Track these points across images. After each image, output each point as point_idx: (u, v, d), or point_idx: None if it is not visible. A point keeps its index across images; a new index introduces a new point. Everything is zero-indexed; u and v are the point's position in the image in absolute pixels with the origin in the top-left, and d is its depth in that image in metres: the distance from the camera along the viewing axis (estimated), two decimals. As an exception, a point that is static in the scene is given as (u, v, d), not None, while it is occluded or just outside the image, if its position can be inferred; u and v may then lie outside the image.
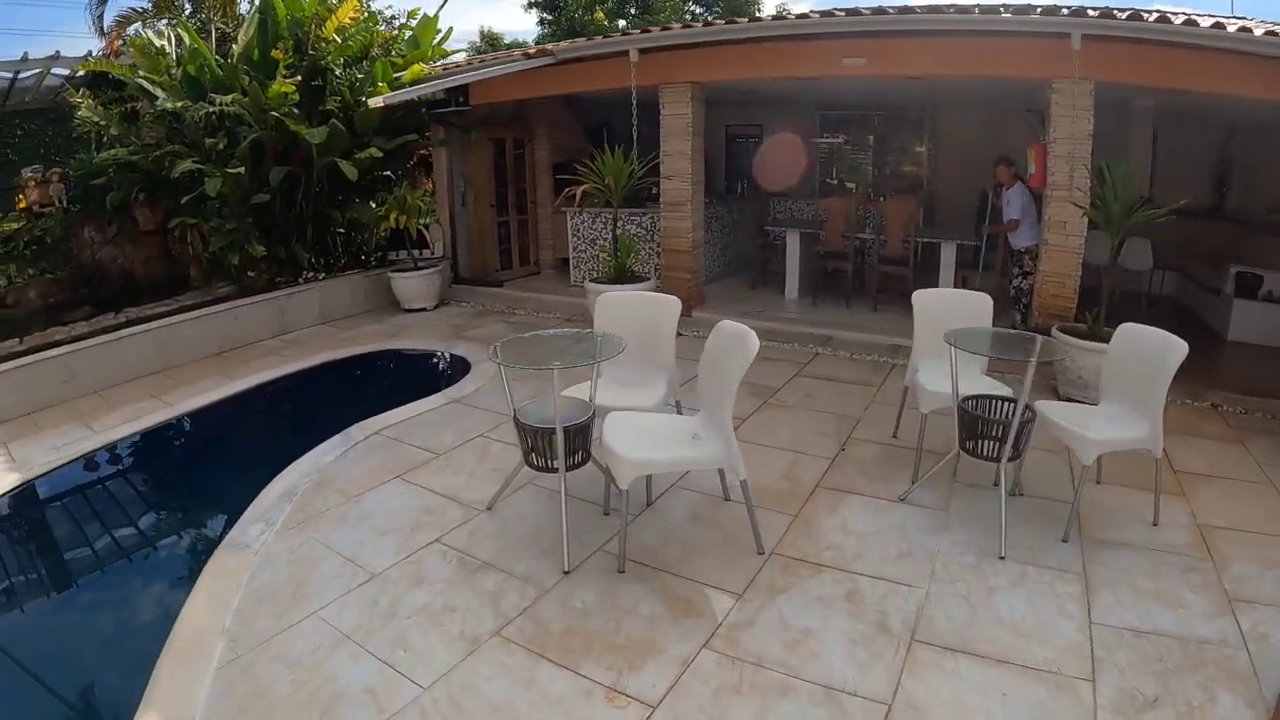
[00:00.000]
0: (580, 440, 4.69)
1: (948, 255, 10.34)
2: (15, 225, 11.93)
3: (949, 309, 6.00)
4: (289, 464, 5.94)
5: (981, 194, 10.90)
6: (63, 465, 6.33)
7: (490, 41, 29.76)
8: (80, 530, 5.87)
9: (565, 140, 13.58)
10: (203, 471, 6.99)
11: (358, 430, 6.57)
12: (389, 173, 12.63)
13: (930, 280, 9.67)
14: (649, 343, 5.56)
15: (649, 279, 9.58)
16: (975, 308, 5.93)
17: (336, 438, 6.40)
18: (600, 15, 25.33)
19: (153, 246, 12.78)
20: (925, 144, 14.54)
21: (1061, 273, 7.99)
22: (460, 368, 8.52)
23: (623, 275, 9.43)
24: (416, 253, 12.41)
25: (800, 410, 7.08)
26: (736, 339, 4.49)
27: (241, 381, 8.26)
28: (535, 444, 4.71)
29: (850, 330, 9.74)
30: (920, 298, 6.20)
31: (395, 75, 11.39)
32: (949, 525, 4.90)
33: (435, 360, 9.35)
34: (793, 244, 11.49)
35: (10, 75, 13.05)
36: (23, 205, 12.12)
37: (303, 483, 5.65)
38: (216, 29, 13.13)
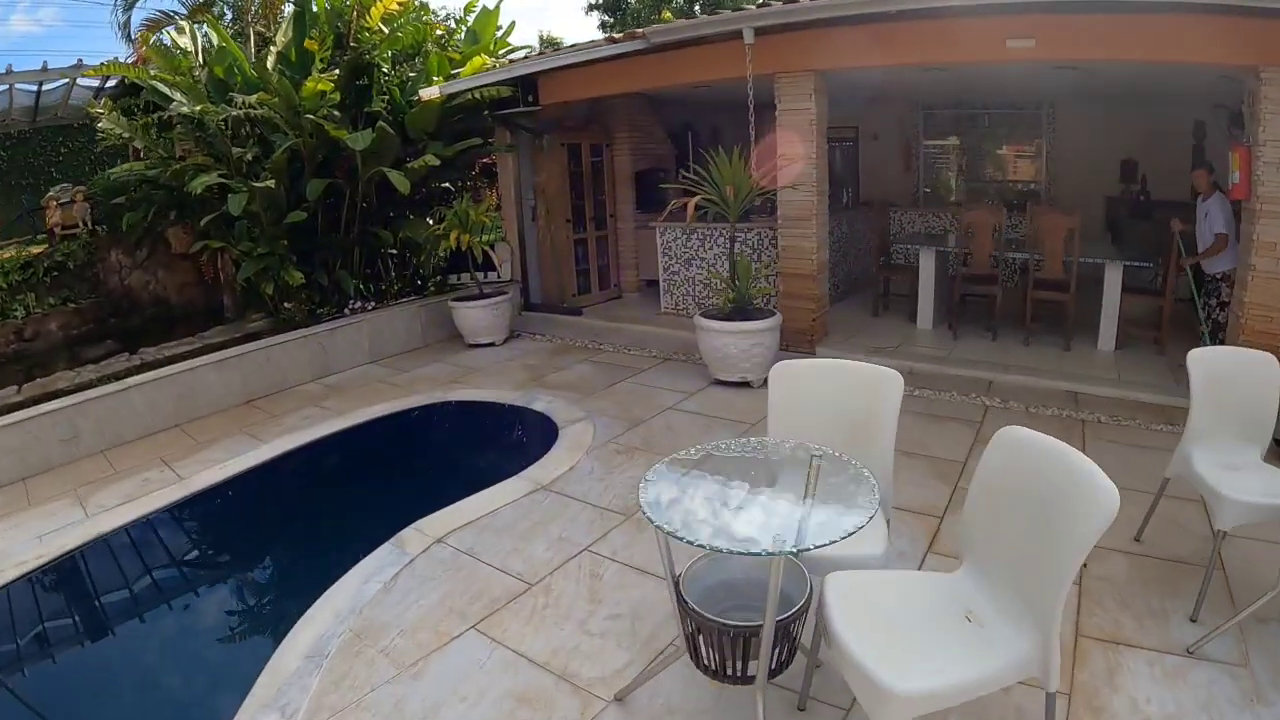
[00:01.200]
0: (784, 634, 2.82)
1: (1112, 279, 8.57)
2: (37, 249, 10.54)
3: (1245, 375, 4.27)
4: (320, 591, 4.26)
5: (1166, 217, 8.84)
6: (43, 566, 4.93)
7: (551, 45, 28.14)
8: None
9: (648, 145, 11.83)
10: (207, 594, 5.32)
11: (414, 536, 4.83)
12: (447, 184, 10.99)
13: (1089, 310, 8.69)
14: (854, 442, 3.68)
15: (772, 313, 7.70)
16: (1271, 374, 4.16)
17: (385, 547, 4.68)
18: (668, 15, 23.58)
19: (187, 272, 11.41)
20: (1043, 146, 13.15)
21: (1270, 304, 6.44)
22: (543, 431, 6.71)
23: (743, 308, 7.57)
24: (481, 276, 10.66)
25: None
26: (1069, 482, 2.68)
27: (268, 447, 6.61)
28: (714, 641, 2.83)
29: (1012, 372, 7.98)
30: (1204, 360, 4.36)
31: (453, 71, 9.76)
32: (1262, 693, 3.32)
33: (510, 419, 7.52)
34: (927, 264, 9.62)
35: (34, 88, 12.05)
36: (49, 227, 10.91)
37: (337, 631, 3.92)
38: (256, 33, 11.62)
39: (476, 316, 9.45)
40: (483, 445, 7.45)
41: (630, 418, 6.75)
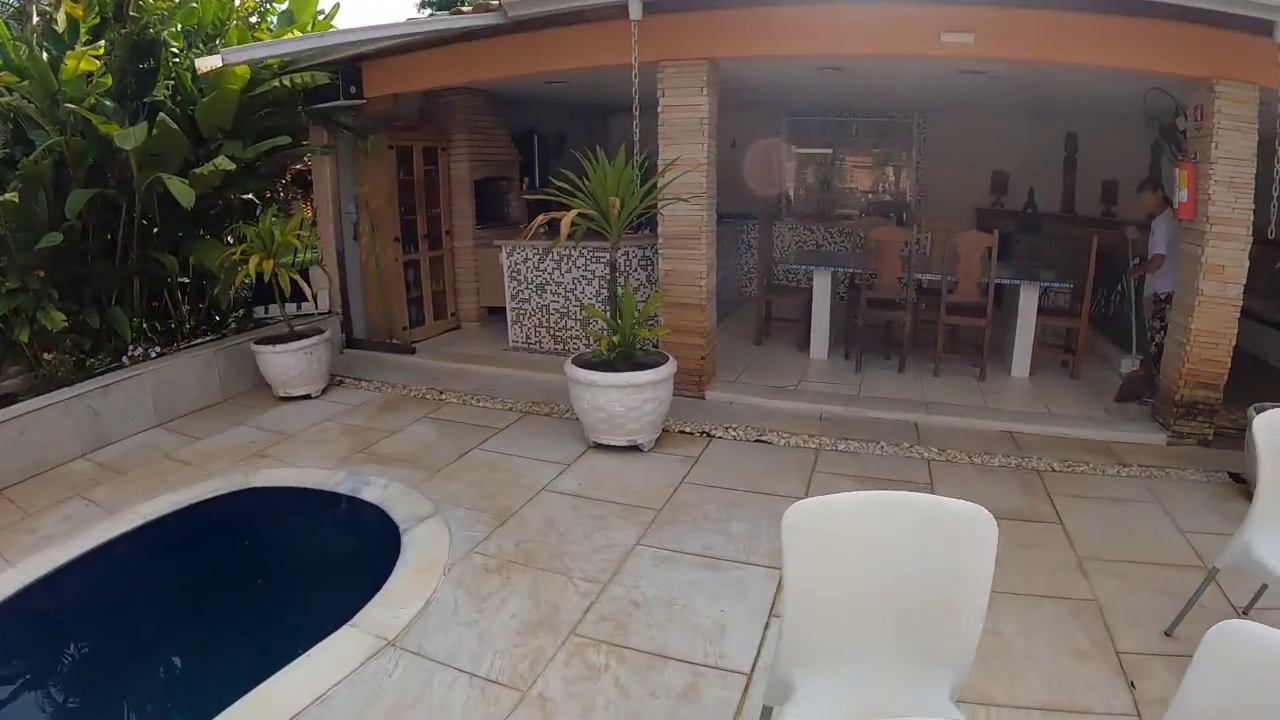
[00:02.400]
0: None
1: (1028, 301, 7.88)
2: None
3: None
4: None
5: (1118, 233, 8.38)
6: None
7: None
8: None
9: (490, 150, 10.16)
10: None
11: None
12: (251, 196, 8.99)
13: (1005, 335, 8.24)
14: (923, 625, 2.29)
15: (664, 358, 6.18)
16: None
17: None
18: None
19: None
20: (914, 158, 12.87)
21: (1217, 330, 6.21)
22: (380, 536, 4.82)
23: (629, 354, 6.03)
24: (294, 309, 8.75)
25: (1006, 598, 4.03)
26: None
27: (13, 574, 4.48)
28: None
29: (936, 411, 7.07)
30: (1273, 425, 3.38)
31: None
32: None
33: (333, 516, 5.58)
34: (823, 286, 8.42)
35: None
36: None
37: None
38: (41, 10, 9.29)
39: (286, 364, 7.56)
40: (297, 564, 5.43)
41: (495, 508, 5.12)
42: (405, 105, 9.36)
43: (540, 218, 5.94)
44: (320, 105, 8.25)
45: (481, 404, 7.35)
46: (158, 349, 7.53)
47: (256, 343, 7.68)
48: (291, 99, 8.12)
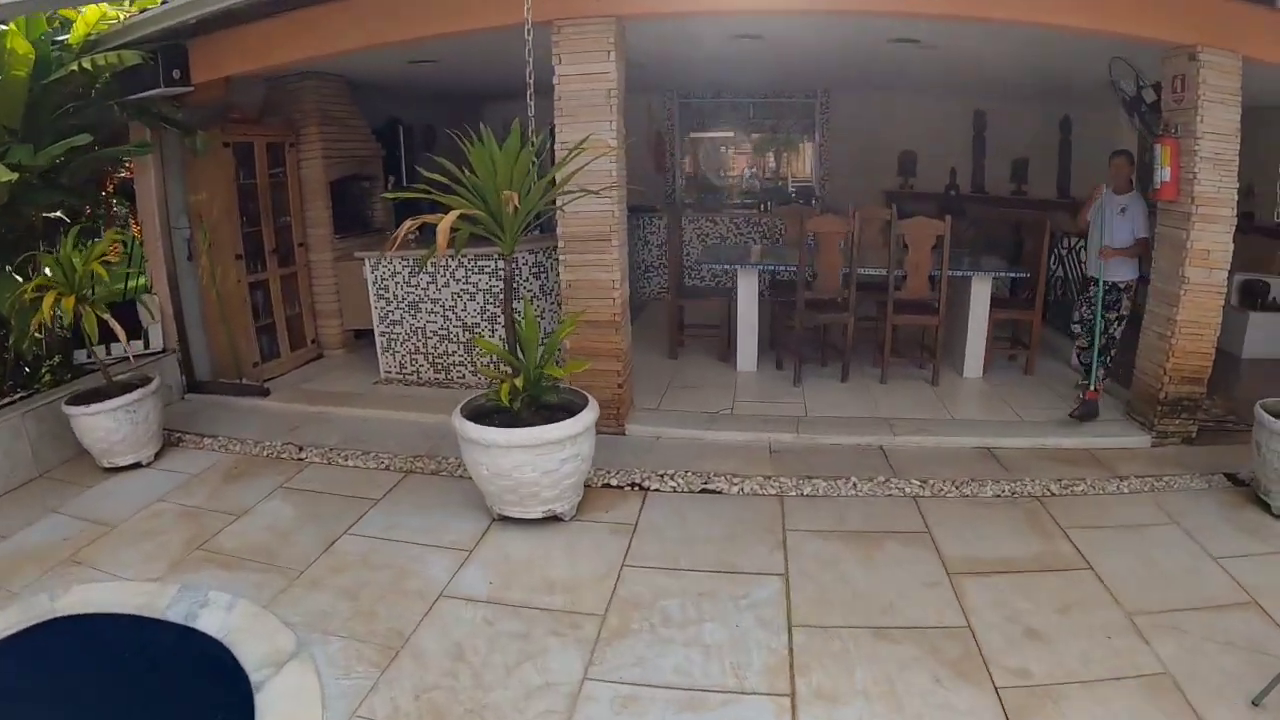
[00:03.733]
0: None
1: (980, 293, 7.10)
2: None
3: None
4: None
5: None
6: None
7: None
8: None
9: (348, 144, 8.67)
10: None
11: None
12: (59, 214, 7.32)
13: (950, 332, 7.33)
14: None
15: (583, 400, 4.83)
16: None
17: None
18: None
19: None
20: (816, 140, 12.13)
21: (1201, 320, 5.76)
22: (222, 699, 3.41)
23: (536, 397, 4.70)
24: (124, 348, 7.15)
25: (1072, 690, 3.30)
26: None
27: None
28: None
29: (901, 430, 6.13)
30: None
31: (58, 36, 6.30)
32: None
33: (161, 662, 3.89)
34: (749, 288, 7.30)
35: None
36: None
37: None
38: None
39: (105, 428, 5.95)
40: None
41: (380, 634, 3.75)
42: (244, 93, 7.83)
43: (408, 224, 4.41)
44: (138, 95, 6.61)
45: (351, 461, 5.92)
46: None
47: (69, 402, 6.06)
48: (103, 90, 6.51)
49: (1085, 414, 6.21)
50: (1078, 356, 6.90)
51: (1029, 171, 11.31)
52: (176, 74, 6.53)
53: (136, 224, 8.27)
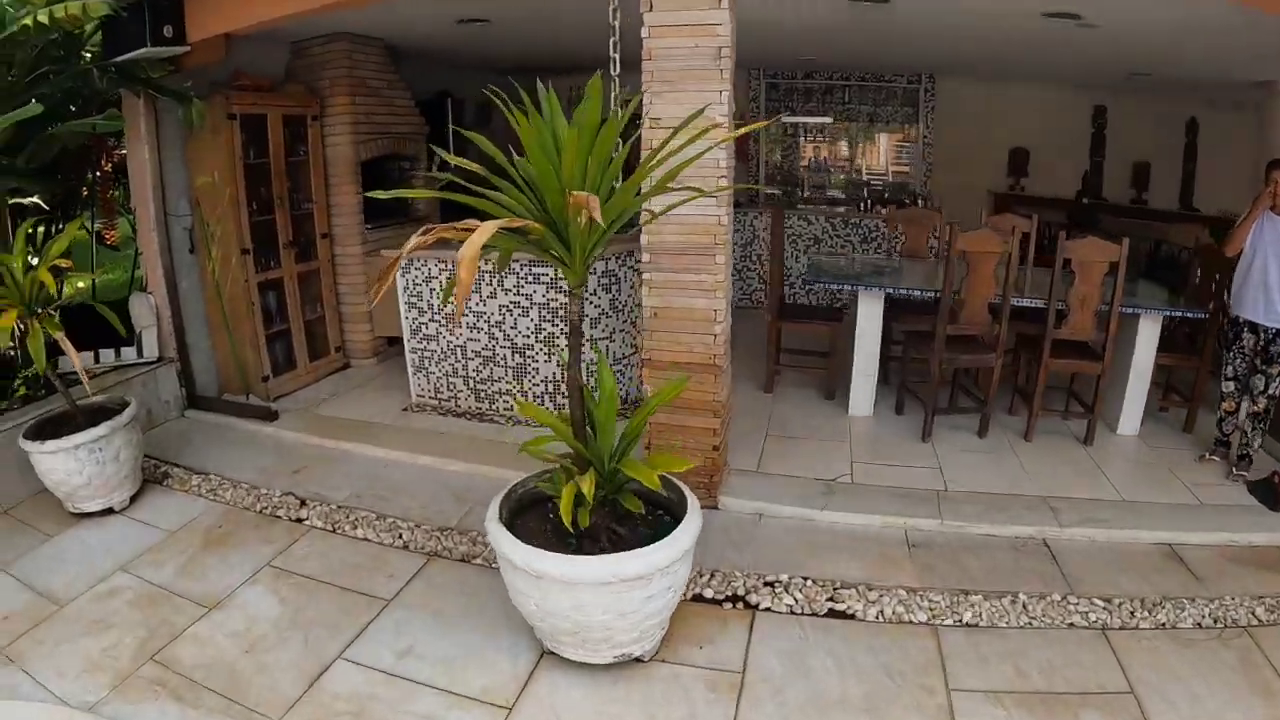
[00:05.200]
0: None
1: (1148, 336, 5.60)
2: None
3: None
4: None
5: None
6: None
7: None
8: None
9: (385, 118, 7.36)
10: None
11: None
12: (35, 201, 6.11)
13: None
14: None
15: (678, 502, 3.39)
16: None
17: None
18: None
19: None
20: (920, 131, 10.65)
21: None
22: None
23: (608, 500, 3.28)
24: (114, 355, 6.05)
25: None
26: None
27: None
28: None
29: (1064, 515, 4.71)
30: None
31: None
32: None
33: None
34: (872, 314, 5.85)
35: None
36: None
37: None
38: None
39: (65, 469, 4.74)
40: None
41: None
42: (263, 57, 6.57)
43: (420, 239, 2.89)
44: (123, 57, 5.32)
45: (361, 530, 4.59)
46: None
47: (27, 435, 4.83)
48: (71, 48, 5.27)
49: (1266, 496, 4.82)
50: (1220, 424, 5.37)
51: (1149, 178, 9.67)
52: (168, 31, 5.25)
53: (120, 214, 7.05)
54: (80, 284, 7.87)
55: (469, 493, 4.92)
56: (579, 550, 3.05)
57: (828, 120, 10.61)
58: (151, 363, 6.31)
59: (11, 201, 5.80)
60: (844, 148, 11.06)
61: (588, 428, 3.25)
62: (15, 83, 5.04)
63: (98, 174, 6.87)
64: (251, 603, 3.94)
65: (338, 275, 7.26)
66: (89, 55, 5.52)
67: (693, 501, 3.29)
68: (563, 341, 5.78)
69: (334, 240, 7.16)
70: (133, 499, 5.06)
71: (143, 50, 5.17)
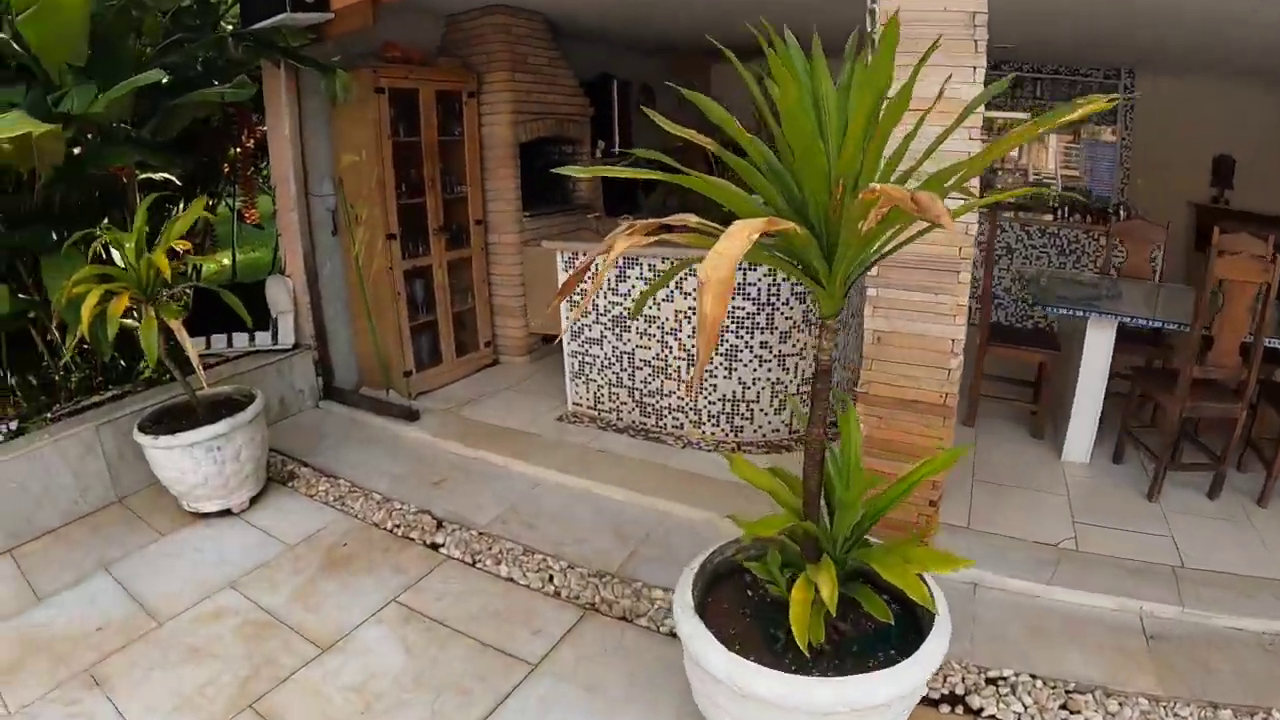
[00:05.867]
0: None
1: None
2: None
3: None
4: None
5: None
6: None
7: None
8: None
9: (548, 97, 6.74)
10: None
11: None
12: (165, 174, 5.70)
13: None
14: None
15: (922, 609, 2.54)
16: None
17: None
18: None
19: None
20: (1120, 132, 9.23)
21: None
22: None
23: (843, 573, 2.46)
24: (248, 340, 5.67)
25: None
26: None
27: None
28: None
29: None
30: None
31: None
32: None
33: None
34: (1101, 345, 4.87)
35: None
36: None
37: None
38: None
39: (179, 467, 4.30)
40: None
41: None
42: (412, 29, 6.02)
43: (632, 238, 2.10)
44: (260, 24, 4.81)
45: (505, 566, 3.93)
46: (11, 424, 4.36)
47: (143, 425, 4.41)
48: (207, 15, 4.81)
49: None
50: None
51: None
52: (314, -1, 4.73)
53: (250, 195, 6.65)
54: (225, 261, 7.54)
55: (632, 528, 4.22)
56: (788, 646, 2.27)
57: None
58: (287, 350, 5.87)
59: (142, 177, 5.37)
60: (1035, 148, 9.92)
61: (826, 503, 2.47)
62: (143, 51, 4.58)
63: (238, 149, 6.45)
64: (373, 648, 3.33)
65: (491, 265, 6.69)
66: (229, 27, 5.05)
67: (940, 598, 2.46)
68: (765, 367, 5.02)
69: (488, 227, 6.58)
70: (254, 500, 4.60)
71: (282, 16, 4.67)
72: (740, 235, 1.62)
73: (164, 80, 4.16)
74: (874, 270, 3.58)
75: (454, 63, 6.19)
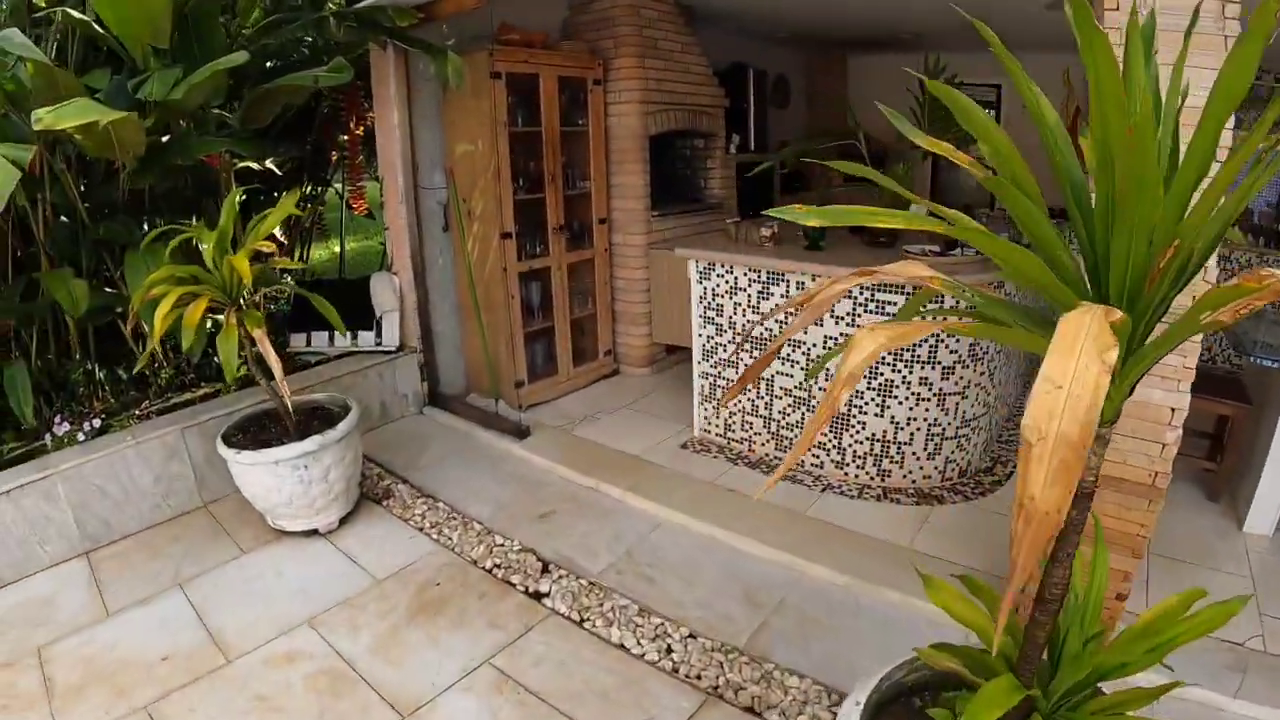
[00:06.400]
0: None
1: None
2: None
3: None
4: None
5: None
6: None
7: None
8: None
9: (680, 87, 6.18)
10: None
11: None
12: (269, 166, 5.35)
13: None
14: None
15: None
16: None
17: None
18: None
19: None
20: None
21: None
22: None
23: None
24: (349, 339, 5.36)
25: None
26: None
27: None
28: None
29: None
30: None
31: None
32: None
33: None
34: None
35: None
36: None
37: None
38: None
39: (263, 485, 3.93)
40: None
41: None
42: (532, 11, 5.54)
43: (850, 280, 1.38)
44: (365, 3, 4.36)
45: (616, 631, 3.37)
46: (95, 420, 4.03)
47: (228, 435, 4.04)
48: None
49: None
50: None
51: None
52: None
53: (359, 181, 6.25)
54: (337, 248, 7.23)
55: (763, 590, 3.61)
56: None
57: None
58: (391, 352, 5.46)
59: (240, 166, 5.01)
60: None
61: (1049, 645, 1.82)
62: (239, 32, 4.18)
63: (345, 136, 6.07)
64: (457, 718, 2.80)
65: (614, 268, 6.17)
66: (334, 6, 4.62)
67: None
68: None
69: (613, 226, 6.06)
70: (343, 520, 4.21)
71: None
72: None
73: (267, 64, 3.76)
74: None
75: (578, 47, 5.66)
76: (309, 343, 5.44)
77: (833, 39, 8.49)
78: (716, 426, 5.11)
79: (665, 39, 5.98)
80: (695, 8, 6.31)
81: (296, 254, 6.39)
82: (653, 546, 3.99)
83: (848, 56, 9.45)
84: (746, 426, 4.96)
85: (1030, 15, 5.86)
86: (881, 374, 4.38)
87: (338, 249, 7.30)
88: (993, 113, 4.92)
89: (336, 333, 5.36)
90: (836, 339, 4.45)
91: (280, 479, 3.83)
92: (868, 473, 4.59)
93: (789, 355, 4.64)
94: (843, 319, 4.39)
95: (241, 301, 3.60)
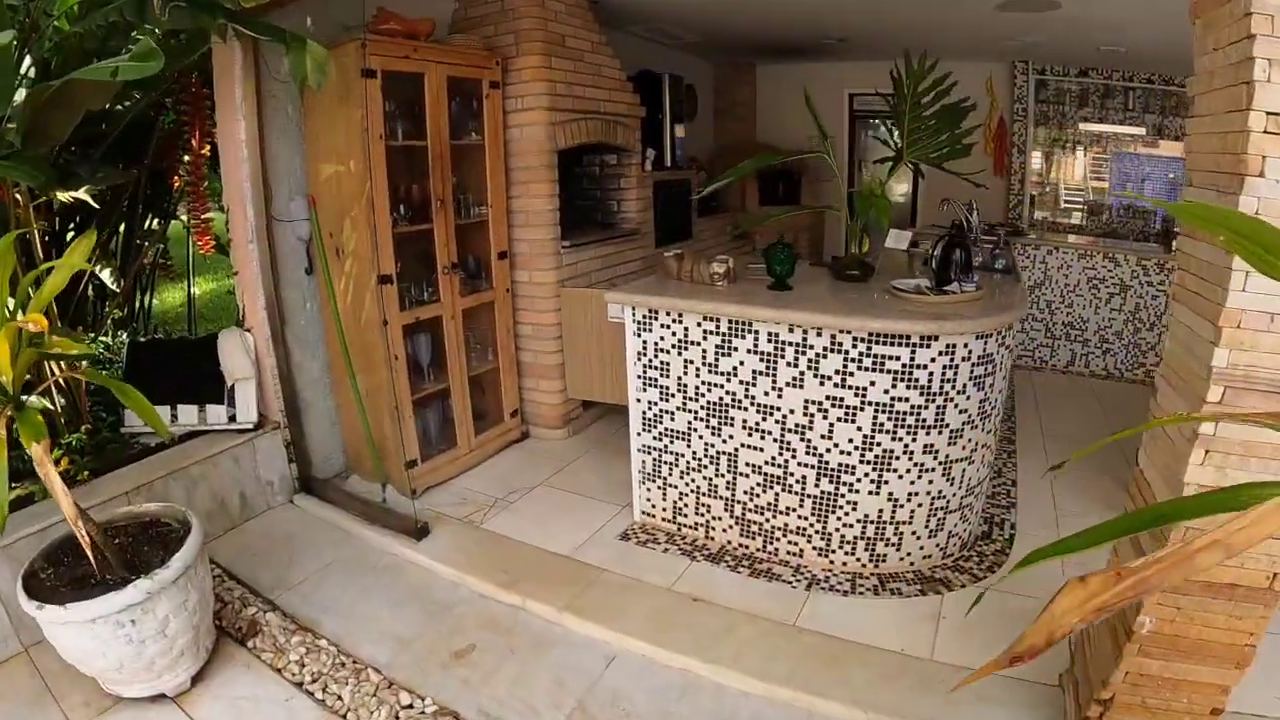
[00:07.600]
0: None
1: None
2: None
3: None
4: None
5: None
6: None
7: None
8: None
9: (593, 91, 5.23)
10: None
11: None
12: (81, 194, 4.17)
13: None
14: None
15: None
16: None
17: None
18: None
19: None
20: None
21: None
22: None
23: None
24: (198, 412, 4.14)
25: None
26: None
27: None
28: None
29: None
30: None
31: None
32: None
33: None
34: None
35: None
36: None
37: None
38: None
39: (82, 647, 2.77)
40: None
41: None
42: (416, 1, 4.44)
43: None
44: None
45: None
46: None
47: (30, 574, 2.86)
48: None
49: None
50: None
51: None
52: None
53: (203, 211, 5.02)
54: (197, 290, 6.03)
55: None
56: None
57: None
58: (248, 429, 4.29)
59: (50, 199, 3.83)
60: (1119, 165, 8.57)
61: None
62: (39, 15, 3.02)
63: (189, 158, 4.83)
64: None
65: (519, 311, 5.12)
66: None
67: None
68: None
69: (515, 262, 5.02)
70: (197, 678, 2.99)
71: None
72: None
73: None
74: (1218, 390, 2.00)
75: (472, 41, 4.62)
76: (175, 417, 4.26)
77: (744, 45, 7.77)
78: (663, 510, 4.12)
79: (574, 35, 5.02)
80: (611, 6, 5.40)
81: (138, 302, 5.19)
82: (611, 694, 2.96)
83: (756, 65, 8.84)
84: (702, 510, 3.99)
85: (983, 16, 5.65)
86: (879, 444, 3.47)
87: (197, 291, 6.09)
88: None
89: (180, 406, 4.22)
90: (820, 403, 3.51)
91: (102, 641, 2.69)
92: (858, 559, 3.70)
93: (758, 425, 3.69)
94: (829, 378, 3.46)
95: (21, 400, 2.45)
